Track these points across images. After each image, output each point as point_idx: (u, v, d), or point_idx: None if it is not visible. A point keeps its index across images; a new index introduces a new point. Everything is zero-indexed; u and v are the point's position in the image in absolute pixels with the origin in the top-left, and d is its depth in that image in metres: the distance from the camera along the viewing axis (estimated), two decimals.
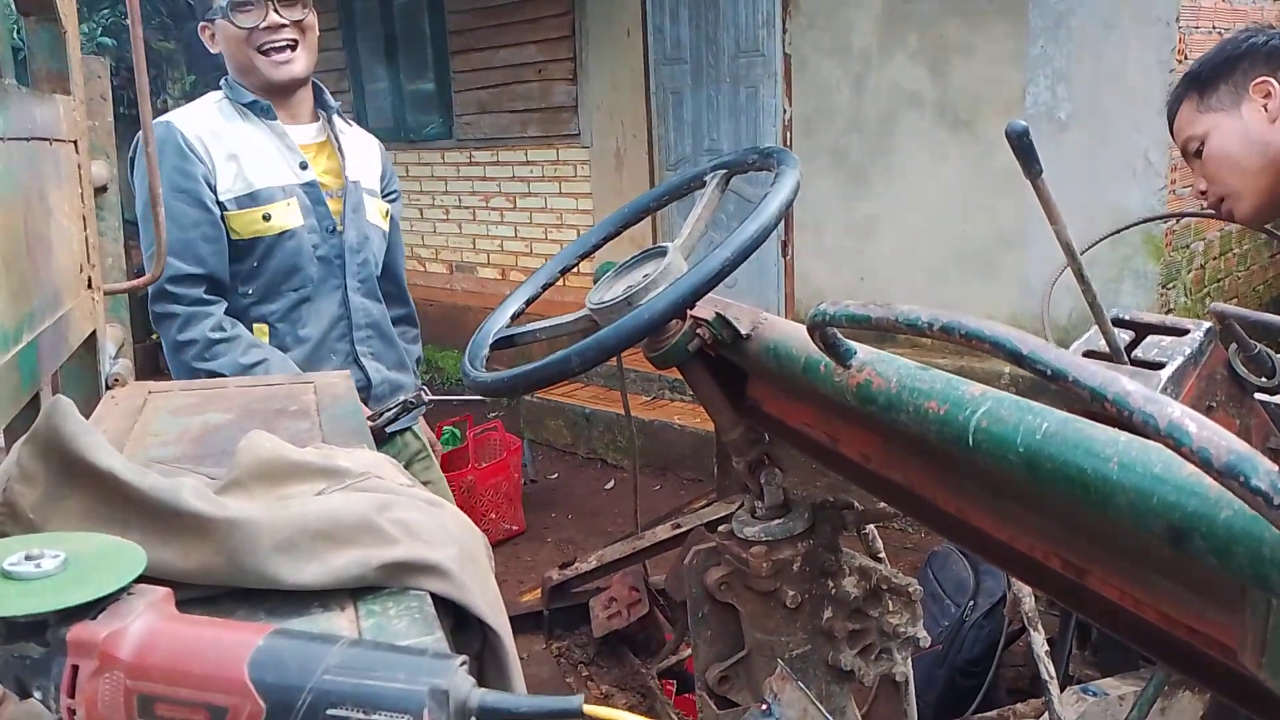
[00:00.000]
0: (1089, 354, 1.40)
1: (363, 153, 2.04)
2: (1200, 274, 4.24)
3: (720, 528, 1.51)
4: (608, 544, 2.52)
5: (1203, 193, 1.61)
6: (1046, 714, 1.52)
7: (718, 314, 1.26)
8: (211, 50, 1.90)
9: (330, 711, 0.56)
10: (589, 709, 0.59)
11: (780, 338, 1.22)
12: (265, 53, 1.82)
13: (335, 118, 2.00)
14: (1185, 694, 1.54)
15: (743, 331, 1.25)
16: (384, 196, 2.08)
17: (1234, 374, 1.41)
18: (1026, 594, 1.52)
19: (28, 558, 0.60)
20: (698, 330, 1.28)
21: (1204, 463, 0.59)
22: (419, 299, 2.34)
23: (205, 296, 1.79)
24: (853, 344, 1.06)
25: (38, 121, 1.19)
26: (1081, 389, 0.67)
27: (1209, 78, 1.53)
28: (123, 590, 0.60)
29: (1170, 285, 4.01)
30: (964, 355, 3.73)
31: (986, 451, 0.87)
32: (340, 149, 1.97)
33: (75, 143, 1.41)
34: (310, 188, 1.89)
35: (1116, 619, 1.05)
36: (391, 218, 2.08)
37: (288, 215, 1.85)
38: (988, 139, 3.98)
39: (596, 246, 1.53)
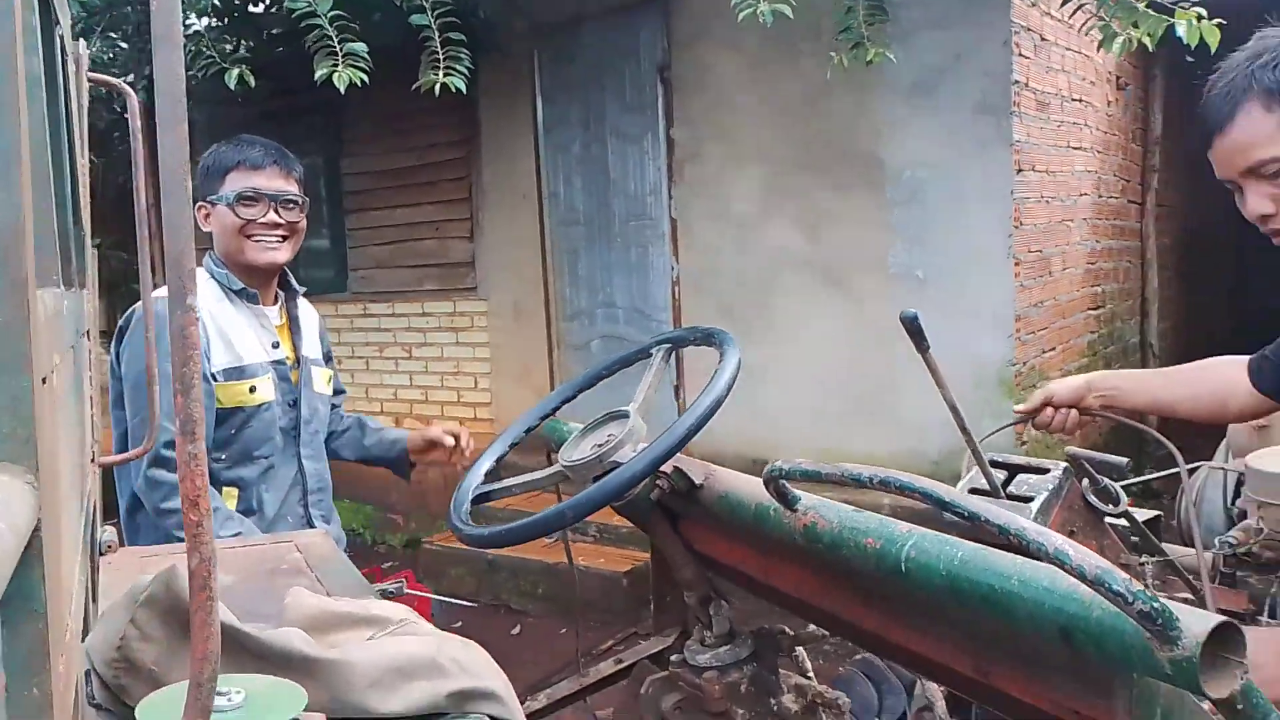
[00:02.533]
0: (973, 491, 1.68)
1: (310, 326, 2.24)
2: None
3: (673, 657, 1.69)
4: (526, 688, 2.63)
5: (1264, 217, 1.35)
6: None
7: (676, 468, 1.48)
8: (203, 229, 2.08)
9: None
10: None
11: (730, 487, 1.46)
12: (254, 239, 2.02)
13: (296, 299, 2.19)
14: None
15: (697, 481, 1.48)
16: (325, 359, 2.28)
17: (1088, 504, 1.72)
18: (938, 699, 1.75)
19: (219, 694, 0.76)
20: (658, 482, 1.50)
21: (1080, 576, 0.85)
22: None
23: None
24: (798, 492, 1.30)
25: (84, 318, 1.35)
26: (992, 525, 0.92)
27: None
28: (295, 718, 0.77)
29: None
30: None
31: (916, 577, 1.12)
32: (298, 327, 2.17)
33: (88, 332, 1.56)
34: (280, 365, 2.08)
35: (1016, 709, 1.29)
36: (334, 376, 2.29)
37: (266, 389, 2.02)
38: (859, 295, 4.45)
39: (556, 408, 1.74)
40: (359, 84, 3.24)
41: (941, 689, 1.78)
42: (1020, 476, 1.74)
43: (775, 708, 1.62)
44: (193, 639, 0.61)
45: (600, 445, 1.50)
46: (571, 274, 5.35)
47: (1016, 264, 4.33)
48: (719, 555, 1.67)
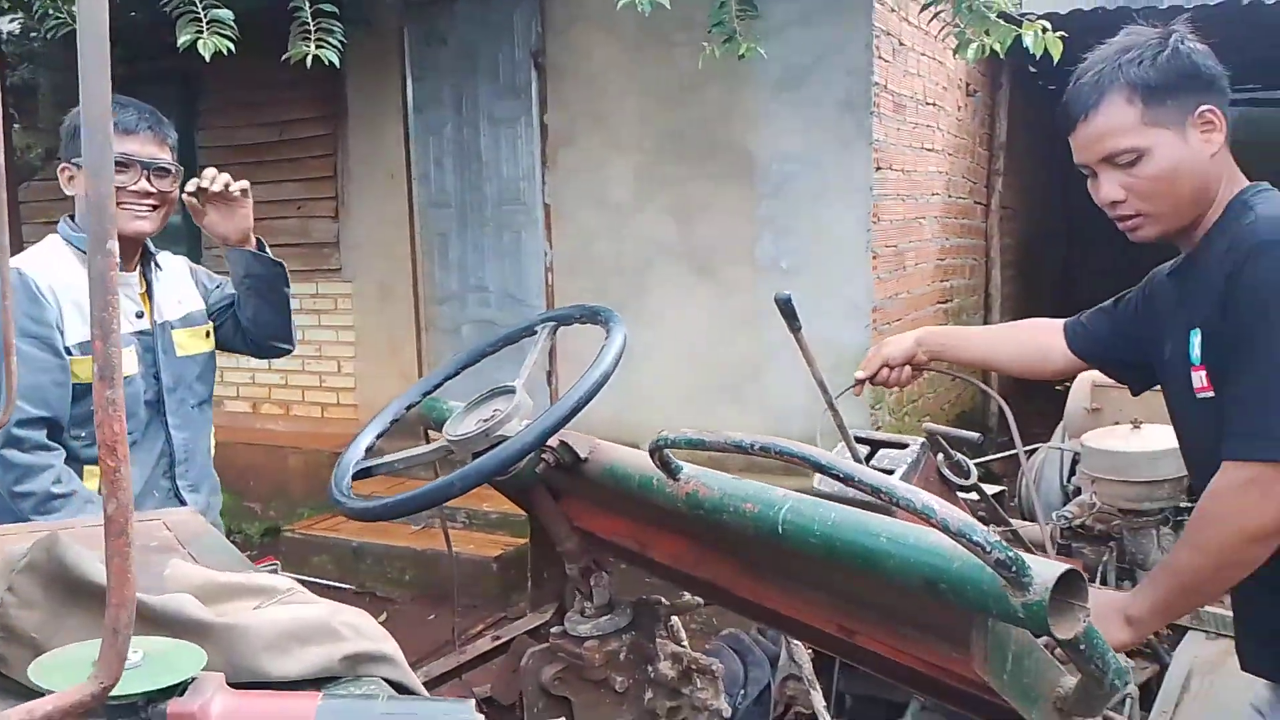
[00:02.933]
0: None
1: (174, 283, 2.15)
2: (900, 396, 5.00)
3: (554, 629, 1.72)
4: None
5: (1115, 203, 1.42)
6: None
7: (562, 441, 1.51)
8: (67, 192, 1.98)
9: None
10: None
11: (615, 460, 1.50)
12: (123, 206, 1.92)
13: (152, 262, 2.11)
14: None
15: (582, 455, 1.51)
16: (213, 291, 2.21)
17: (943, 476, 1.85)
18: (805, 662, 1.84)
19: None
20: (543, 455, 1.52)
21: (944, 528, 0.93)
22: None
23: (46, 442, 1.82)
24: (681, 462, 1.36)
25: None
26: (865, 486, 0.99)
27: (1159, 88, 1.37)
28: (194, 676, 0.77)
29: (877, 406, 4.71)
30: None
31: (792, 538, 1.18)
32: (152, 294, 2.08)
33: None
34: (143, 335, 2.00)
35: (880, 665, 1.39)
36: (225, 302, 2.21)
37: (129, 362, 1.93)
38: (727, 284, 4.57)
39: (439, 385, 1.74)
40: (224, 53, 3.12)
41: (809, 652, 1.87)
42: (883, 451, 1.85)
43: (653, 674, 1.67)
44: (110, 585, 0.61)
45: (486, 420, 1.51)
46: (442, 257, 5.29)
47: (874, 258, 4.54)
48: (600, 530, 1.71)
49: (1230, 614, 1.63)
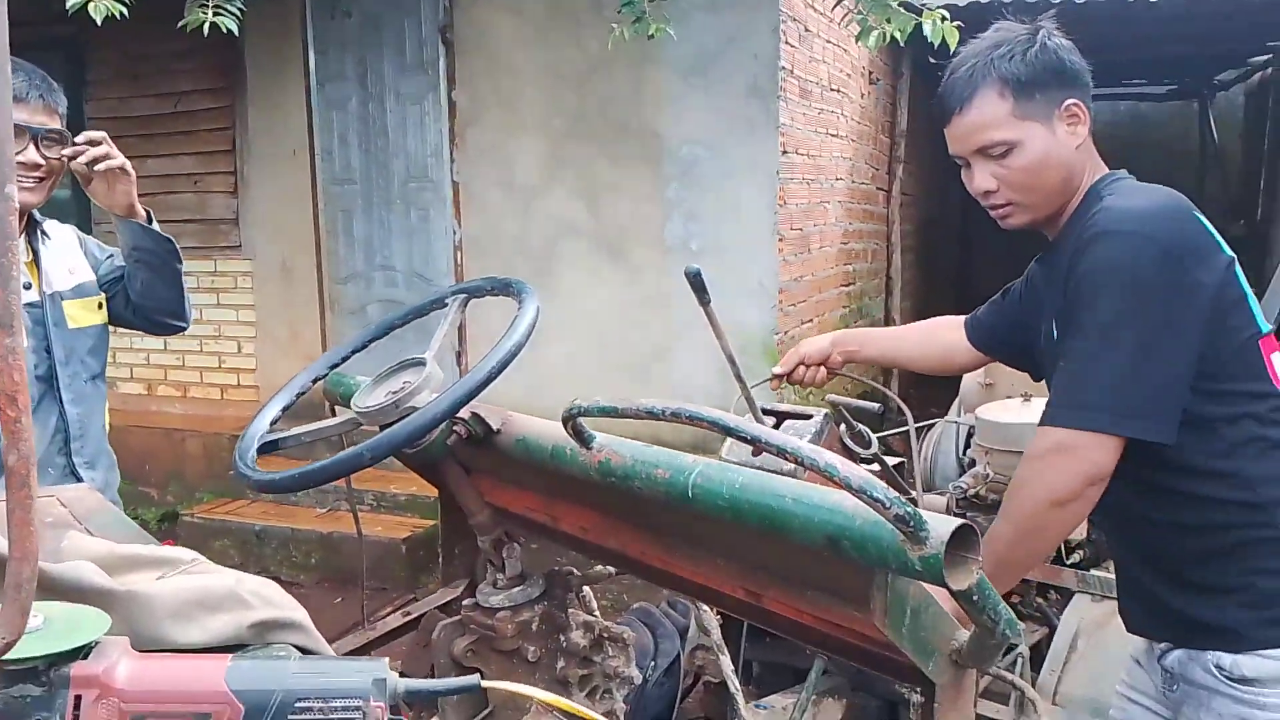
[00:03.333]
0: None
1: (62, 252, 2.06)
2: None
3: (465, 601, 1.72)
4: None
5: (987, 192, 1.48)
6: None
7: (474, 413, 1.51)
8: None
9: (298, 704, 0.75)
10: (485, 684, 0.83)
11: (528, 431, 1.50)
12: None
13: (38, 231, 2.02)
14: (829, 700, 1.97)
15: (494, 427, 1.51)
16: (104, 262, 2.13)
17: (845, 446, 1.91)
18: (714, 628, 1.88)
19: None
20: (455, 427, 1.52)
21: (847, 486, 0.97)
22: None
23: None
24: (593, 431, 1.37)
25: None
26: (771, 446, 1.03)
27: (1029, 83, 1.43)
28: (97, 640, 0.75)
29: (784, 385, 4.81)
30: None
31: (702, 501, 1.21)
32: (39, 263, 2.00)
33: None
34: (32, 307, 1.92)
35: (786, 626, 1.43)
36: (116, 274, 2.13)
37: None
38: (636, 265, 4.60)
39: (346, 358, 1.72)
40: (117, 17, 2.99)
41: (717, 618, 1.91)
42: (788, 422, 1.90)
43: (565, 643, 1.69)
44: (11, 539, 0.60)
45: (396, 392, 1.50)
46: (346, 235, 5.18)
47: (780, 240, 4.62)
48: (511, 504, 1.71)
49: (1113, 577, 1.73)
